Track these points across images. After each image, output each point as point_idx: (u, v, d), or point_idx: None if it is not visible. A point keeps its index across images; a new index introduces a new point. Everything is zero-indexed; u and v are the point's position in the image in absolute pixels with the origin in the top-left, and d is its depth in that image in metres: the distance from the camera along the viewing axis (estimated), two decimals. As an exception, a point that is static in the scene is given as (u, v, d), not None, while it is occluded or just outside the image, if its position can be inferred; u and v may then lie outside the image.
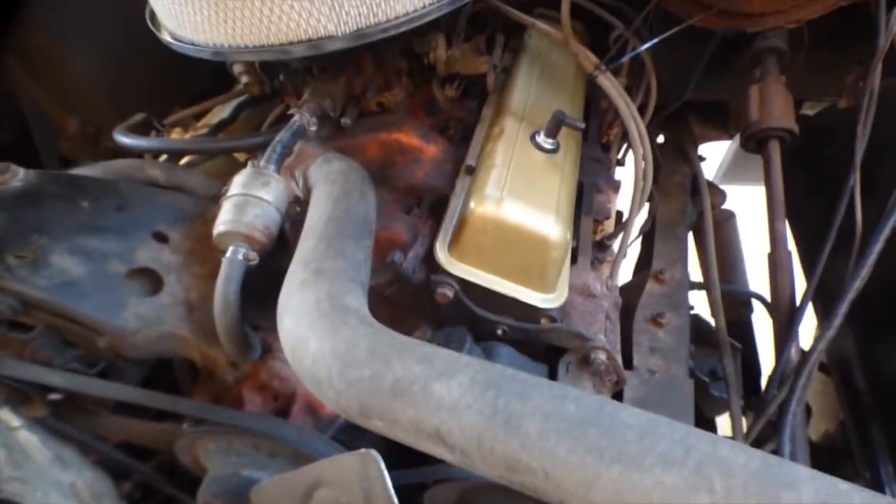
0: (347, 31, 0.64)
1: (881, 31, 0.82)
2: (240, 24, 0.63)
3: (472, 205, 0.68)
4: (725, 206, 1.31)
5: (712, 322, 0.98)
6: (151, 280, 0.60)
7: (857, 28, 0.93)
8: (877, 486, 0.84)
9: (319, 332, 0.43)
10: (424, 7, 0.66)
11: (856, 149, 0.79)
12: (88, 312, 0.52)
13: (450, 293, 0.69)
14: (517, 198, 0.69)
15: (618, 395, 0.78)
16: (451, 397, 0.38)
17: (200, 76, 0.92)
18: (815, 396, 1.32)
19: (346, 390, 0.40)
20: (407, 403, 0.39)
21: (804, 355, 0.75)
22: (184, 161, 0.83)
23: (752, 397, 0.89)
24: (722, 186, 1.41)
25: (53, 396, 0.54)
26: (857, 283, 0.72)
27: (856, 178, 0.80)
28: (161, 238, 0.62)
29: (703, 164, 1.31)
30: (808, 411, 1.08)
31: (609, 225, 0.97)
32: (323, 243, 0.54)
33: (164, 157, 0.84)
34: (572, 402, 0.37)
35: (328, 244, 0.53)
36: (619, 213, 1.17)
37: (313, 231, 0.56)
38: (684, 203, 1.09)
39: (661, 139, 1.37)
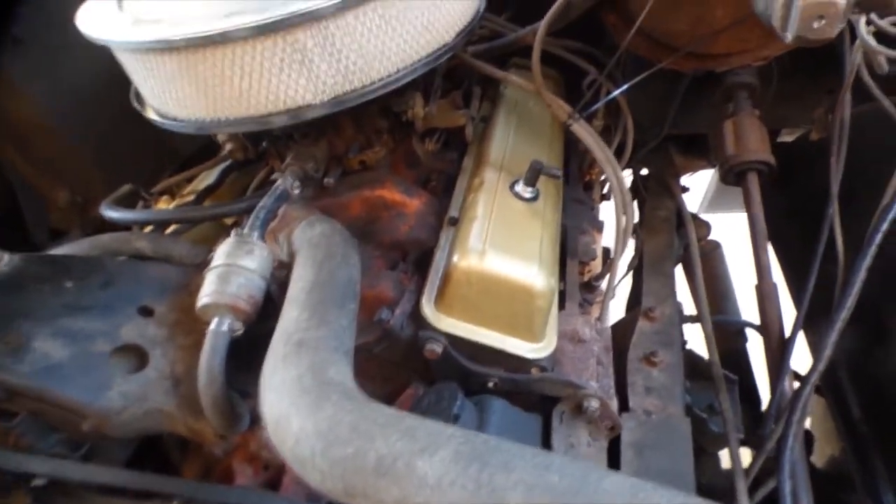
0: (325, 99, 0.66)
1: (845, 64, 0.84)
2: (220, 99, 0.64)
3: (455, 259, 0.69)
4: (711, 236, 1.32)
5: (707, 355, 0.98)
6: (137, 356, 0.60)
7: (824, 58, 0.96)
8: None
9: (301, 410, 0.43)
10: (398, 71, 0.68)
11: (830, 181, 0.81)
12: (72, 396, 0.52)
13: (438, 349, 0.69)
14: (499, 249, 0.69)
15: (615, 440, 0.77)
16: (434, 473, 0.37)
17: (188, 140, 0.94)
18: (817, 421, 1.31)
19: (330, 470, 0.40)
20: (391, 482, 0.38)
21: (797, 390, 0.75)
22: (171, 229, 0.84)
23: (751, 433, 0.87)
24: (708, 215, 1.43)
25: (37, 482, 0.53)
26: (844, 314, 0.72)
27: (834, 209, 0.81)
28: (146, 312, 0.63)
29: (687, 195, 1.33)
30: (810, 439, 1.07)
31: (596, 265, 0.98)
32: (305, 312, 0.54)
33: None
34: (556, 472, 0.37)
35: (311, 313, 0.54)
36: (606, 251, 1.18)
37: (296, 299, 0.56)
38: (670, 238, 1.10)
39: (645, 171, 1.39)
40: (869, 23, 0.63)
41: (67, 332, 0.56)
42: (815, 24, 0.49)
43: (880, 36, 0.66)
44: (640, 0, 0.75)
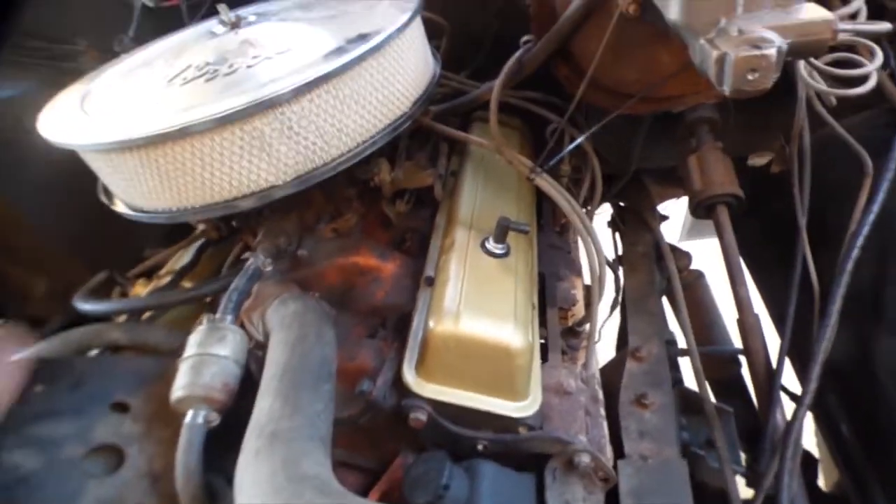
0: (288, 180, 0.67)
1: (800, 98, 0.86)
2: (184, 189, 0.65)
3: (431, 324, 0.69)
4: (693, 265, 1.32)
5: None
6: (112, 455, 0.58)
7: (779, 85, 0.98)
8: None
9: (273, 512, 0.42)
10: (358, 146, 0.70)
11: (797, 213, 0.81)
12: (42, 510, 0.51)
13: (423, 417, 0.68)
14: (474, 311, 0.69)
15: (615, 489, 0.76)
16: (408, 575, 0.36)
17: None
18: (820, 444, 1.28)
19: (304, 577, 0.39)
20: (366, 585, 0.37)
21: (788, 424, 0.74)
22: (147, 314, 0.84)
23: (749, 466, 0.86)
24: (689, 242, 1.43)
25: None
26: (824, 345, 0.72)
27: (803, 241, 0.81)
28: (121, 408, 0.62)
29: (666, 224, 1.34)
30: (813, 463, 1.05)
31: (579, 309, 0.98)
32: (278, 401, 0.53)
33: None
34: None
35: (284, 401, 0.53)
36: (589, 290, 1.18)
37: (268, 387, 0.56)
38: (650, 273, 1.10)
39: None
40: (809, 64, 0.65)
41: (37, 440, 0.55)
42: (750, 77, 0.50)
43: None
44: (588, 53, 0.77)
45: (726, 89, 0.52)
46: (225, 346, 0.62)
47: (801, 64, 0.68)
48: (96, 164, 0.67)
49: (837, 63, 0.71)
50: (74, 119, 0.67)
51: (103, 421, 0.60)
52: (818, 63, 0.65)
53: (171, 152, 0.61)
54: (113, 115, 0.65)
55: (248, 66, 0.66)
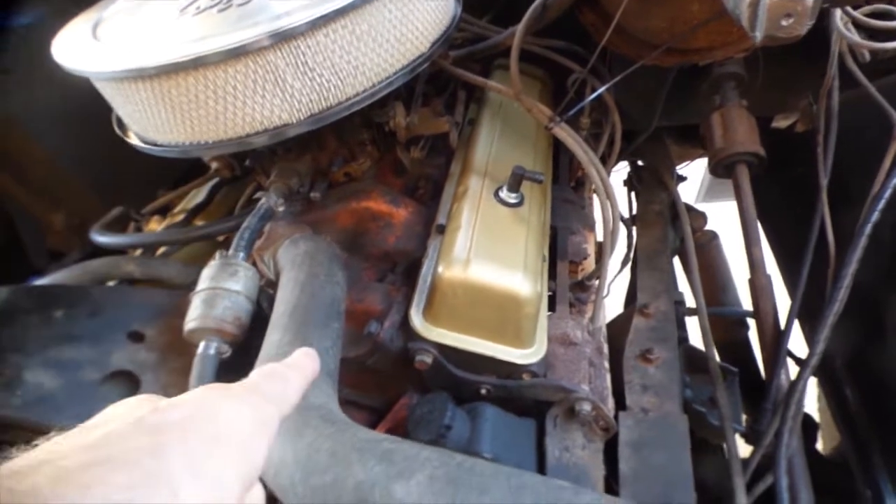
0: (302, 118, 0.66)
1: (833, 53, 0.82)
2: (197, 123, 0.65)
3: (440, 269, 0.69)
4: (709, 226, 1.30)
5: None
6: (128, 382, 0.61)
7: (814, 41, 0.94)
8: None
9: (281, 437, 0.43)
10: (374, 85, 0.68)
11: (819, 174, 0.79)
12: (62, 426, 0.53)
13: (428, 359, 0.69)
14: (484, 258, 0.69)
15: (614, 438, 0.77)
16: (410, 500, 0.38)
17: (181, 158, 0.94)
18: (823, 407, 1.29)
19: (311, 498, 0.41)
20: (369, 507, 0.39)
21: (792, 384, 0.74)
22: (161, 250, 0.85)
23: (750, 426, 0.87)
24: (706, 204, 1.41)
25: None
26: (836, 308, 0.72)
27: (823, 202, 0.79)
28: (136, 337, 0.64)
29: (684, 184, 1.31)
30: (814, 426, 1.06)
31: (589, 263, 0.98)
32: (288, 335, 0.54)
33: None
34: (530, 492, 0.37)
35: (293, 336, 0.54)
36: (601, 246, 1.17)
37: (278, 322, 0.57)
38: (664, 231, 1.09)
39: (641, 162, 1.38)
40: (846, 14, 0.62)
41: (57, 362, 0.57)
42: (784, 23, 0.48)
43: (860, 25, 0.65)
44: (616, -1, 0.74)
45: (758, 35, 0.50)
46: (237, 281, 0.63)
47: (838, 14, 0.65)
48: (109, 93, 0.67)
49: (874, 15, 0.68)
50: (86, 46, 0.66)
51: (120, 348, 0.62)
52: (855, 13, 0.62)
53: (183, 83, 0.61)
54: (125, 43, 0.64)
55: (264, -3, 0.64)
